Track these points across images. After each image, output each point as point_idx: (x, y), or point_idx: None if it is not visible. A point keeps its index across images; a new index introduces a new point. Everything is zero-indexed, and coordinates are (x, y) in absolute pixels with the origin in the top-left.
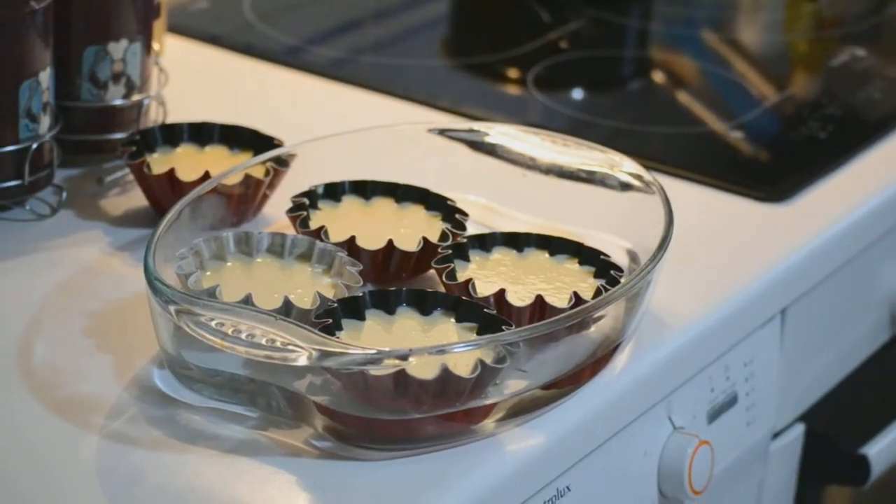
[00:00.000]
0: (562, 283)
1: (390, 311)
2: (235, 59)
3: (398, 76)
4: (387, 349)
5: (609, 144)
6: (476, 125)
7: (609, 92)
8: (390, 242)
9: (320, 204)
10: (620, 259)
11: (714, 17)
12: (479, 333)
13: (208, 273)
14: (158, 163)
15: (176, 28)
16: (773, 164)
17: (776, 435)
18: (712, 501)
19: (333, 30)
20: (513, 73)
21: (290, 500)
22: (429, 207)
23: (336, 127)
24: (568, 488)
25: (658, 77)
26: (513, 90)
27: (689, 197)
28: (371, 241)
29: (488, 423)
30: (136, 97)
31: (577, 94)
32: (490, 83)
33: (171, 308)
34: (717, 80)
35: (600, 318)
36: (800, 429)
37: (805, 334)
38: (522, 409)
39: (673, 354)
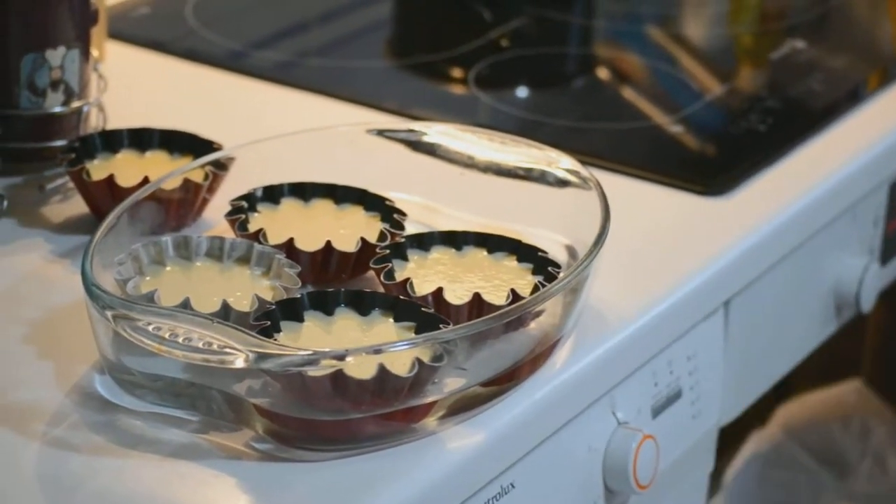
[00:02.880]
0: (500, 280)
1: (329, 312)
2: (178, 65)
3: (343, 78)
4: (324, 350)
5: (552, 142)
6: (414, 125)
7: (553, 90)
8: (328, 244)
9: (259, 207)
10: (559, 255)
11: (658, 12)
12: (417, 332)
13: (147, 278)
14: (98, 169)
15: (118, 34)
16: (714, 158)
17: None
18: (660, 495)
19: (277, 34)
20: (455, 72)
21: (231, 502)
22: (367, 208)
23: (280, 131)
24: (512, 485)
25: (602, 74)
26: (455, 90)
27: (630, 192)
28: (310, 243)
29: (429, 422)
30: (75, 104)
31: (521, 92)
32: (433, 83)
33: (109, 313)
34: (661, 76)
35: (538, 314)
36: None
37: (749, 326)
38: (463, 406)
39: (614, 349)
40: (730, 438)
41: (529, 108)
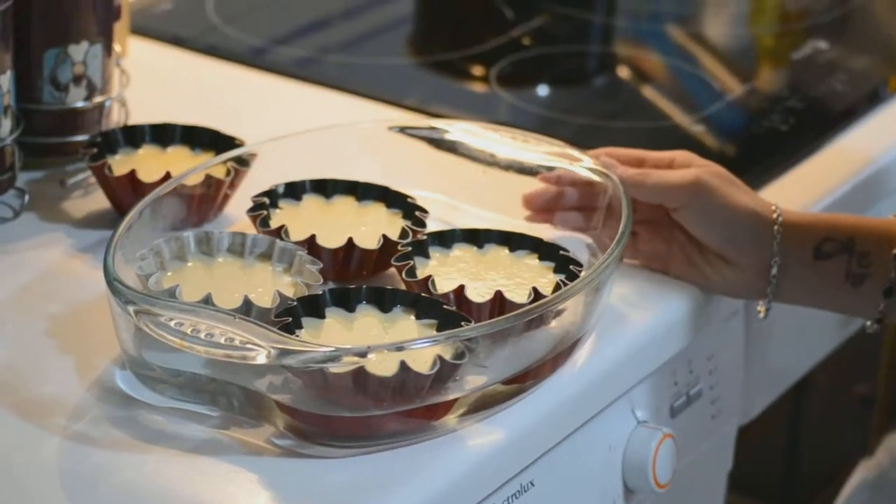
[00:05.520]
0: (522, 278)
1: (350, 308)
2: (200, 61)
3: (364, 75)
4: (345, 346)
5: (574, 140)
6: (436, 123)
7: (574, 88)
8: (350, 240)
9: (281, 203)
10: (581, 254)
11: (679, 11)
12: (438, 330)
13: (169, 273)
14: (120, 164)
15: (140, 30)
16: (735, 158)
17: None
18: (679, 494)
19: (298, 30)
20: (476, 70)
21: (251, 498)
22: (389, 205)
23: (302, 127)
24: (532, 483)
25: (623, 72)
26: (477, 87)
27: None
28: (331, 240)
29: (450, 419)
30: (97, 99)
31: (542, 90)
32: (454, 81)
33: (131, 308)
34: (682, 75)
35: (560, 312)
36: None
37: (770, 326)
38: (484, 404)
39: (634, 349)
40: (838, 468)
41: (550, 107)
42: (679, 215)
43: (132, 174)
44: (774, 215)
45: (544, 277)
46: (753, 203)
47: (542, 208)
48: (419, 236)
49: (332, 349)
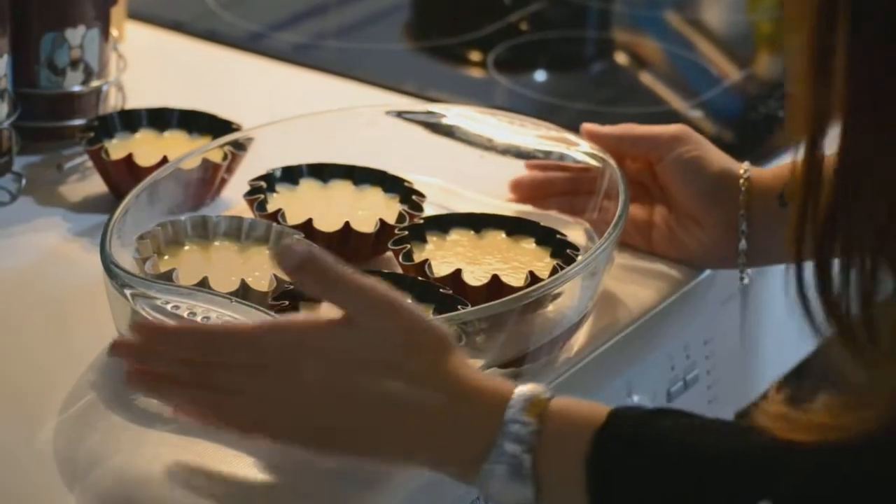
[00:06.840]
0: (518, 262)
1: None
2: (198, 46)
3: (361, 60)
4: None
5: (571, 125)
6: (433, 107)
7: (571, 73)
8: (347, 225)
9: (278, 187)
10: (578, 239)
11: None
12: (435, 313)
13: (166, 257)
14: (117, 148)
15: (138, 15)
16: (732, 143)
17: None
18: None
19: (296, 15)
20: (474, 55)
21: (248, 481)
22: (386, 189)
23: (299, 112)
24: None
25: (621, 58)
26: (474, 73)
27: None
28: (328, 224)
29: None
30: (94, 83)
31: (540, 75)
32: (451, 66)
33: (127, 292)
34: (679, 61)
35: (556, 296)
36: None
37: (766, 311)
38: None
39: (631, 333)
40: None
41: (548, 92)
42: (663, 167)
43: (129, 158)
44: (742, 171)
45: (541, 261)
46: (725, 160)
47: (530, 195)
48: (416, 220)
49: None
